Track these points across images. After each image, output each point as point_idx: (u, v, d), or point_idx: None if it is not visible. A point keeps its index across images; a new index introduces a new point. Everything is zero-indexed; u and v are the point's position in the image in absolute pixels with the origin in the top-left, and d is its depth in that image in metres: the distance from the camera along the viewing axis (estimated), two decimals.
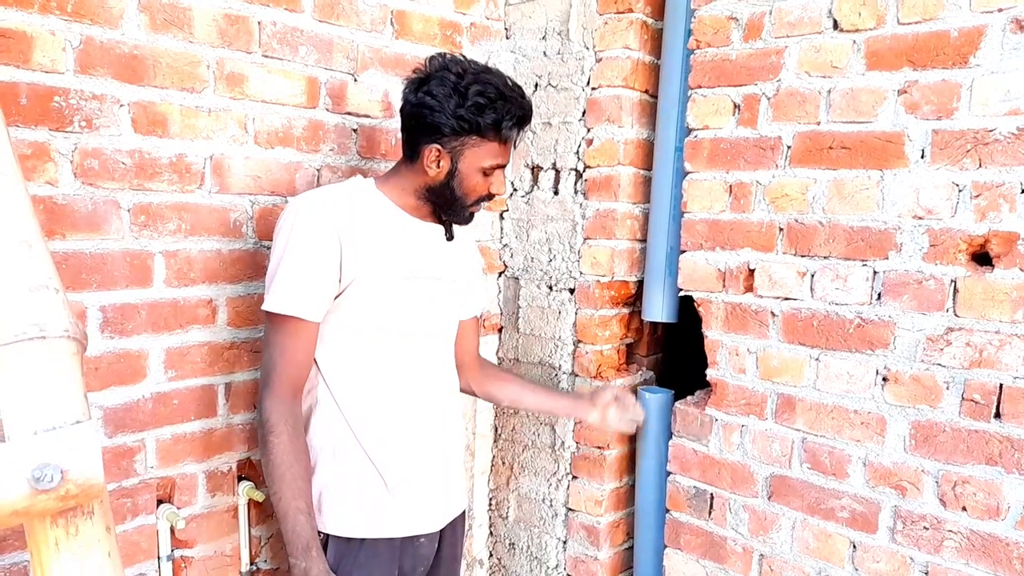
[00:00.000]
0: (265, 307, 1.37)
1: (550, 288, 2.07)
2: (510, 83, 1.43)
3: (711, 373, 1.77)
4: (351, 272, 1.38)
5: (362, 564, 1.43)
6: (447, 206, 1.48)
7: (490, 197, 1.48)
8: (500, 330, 2.21)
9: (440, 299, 1.53)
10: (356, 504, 1.44)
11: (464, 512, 1.66)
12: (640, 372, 2.08)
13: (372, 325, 1.43)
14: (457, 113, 1.37)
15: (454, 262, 1.57)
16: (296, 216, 1.37)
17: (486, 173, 1.44)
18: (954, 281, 1.41)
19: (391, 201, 1.47)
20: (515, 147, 1.50)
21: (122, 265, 1.46)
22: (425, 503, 1.51)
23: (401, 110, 1.47)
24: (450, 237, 1.55)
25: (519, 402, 1.81)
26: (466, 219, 1.51)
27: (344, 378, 1.44)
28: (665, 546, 1.87)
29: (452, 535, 1.61)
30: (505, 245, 2.18)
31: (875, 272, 1.50)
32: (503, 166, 1.46)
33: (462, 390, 1.72)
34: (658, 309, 1.92)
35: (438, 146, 1.41)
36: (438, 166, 1.42)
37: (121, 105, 1.42)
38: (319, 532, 1.40)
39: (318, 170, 1.74)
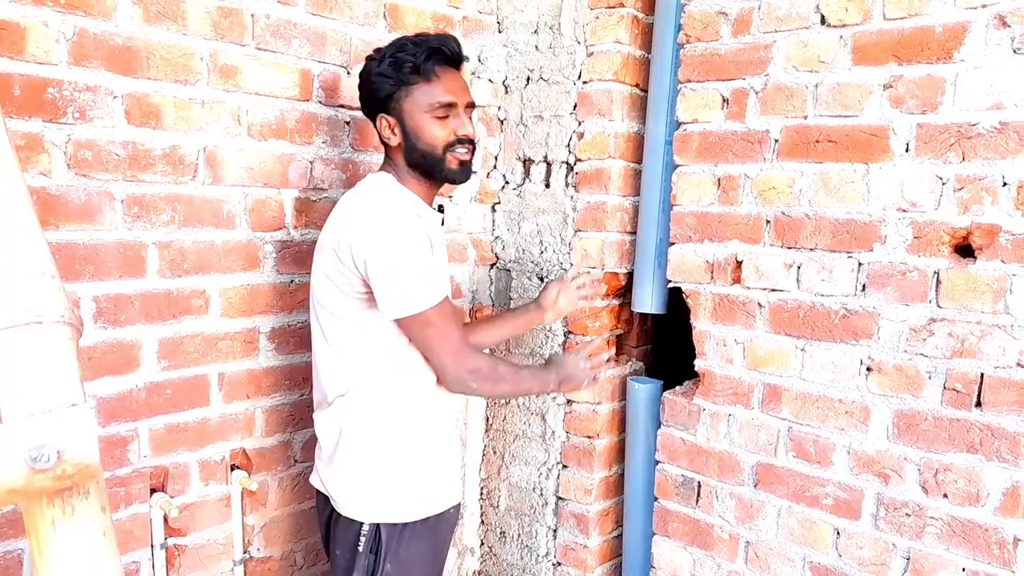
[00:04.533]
0: (421, 308, 1.35)
1: (541, 280, 2.08)
2: (429, 34, 1.47)
3: (699, 363, 1.79)
4: None
5: (407, 544, 1.46)
6: (429, 167, 1.47)
7: (461, 142, 1.45)
8: None
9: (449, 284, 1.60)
10: (402, 489, 1.45)
11: None
12: (630, 363, 2.10)
13: None
14: (379, 71, 1.43)
15: (446, 245, 1.64)
16: (392, 220, 1.37)
17: (437, 117, 1.43)
18: (937, 273, 1.43)
19: (416, 195, 1.48)
20: (468, 90, 1.49)
21: (115, 256, 1.47)
22: (454, 475, 1.57)
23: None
24: (442, 221, 1.58)
25: (482, 343, 1.82)
26: (456, 174, 1.48)
27: (385, 369, 1.44)
28: (653, 533, 1.90)
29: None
30: (497, 237, 2.19)
31: (860, 264, 1.52)
32: (450, 104, 1.43)
33: None
34: (647, 300, 1.94)
35: (383, 115, 1.46)
36: (394, 132, 1.46)
37: (115, 97, 1.43)
38: (365, 523, 1.44)
39: (311, 162, 1.75)
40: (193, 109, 1.54)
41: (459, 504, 1.60)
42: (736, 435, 1.73)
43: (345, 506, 1.46)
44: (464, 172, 1.49)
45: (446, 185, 1.57)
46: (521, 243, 2.13)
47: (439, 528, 1.52)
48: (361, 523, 1.44)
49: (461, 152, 1.46)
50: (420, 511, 1.47)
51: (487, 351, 1.83)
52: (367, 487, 1.44)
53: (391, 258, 1.34)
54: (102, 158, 1.43)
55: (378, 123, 1.47)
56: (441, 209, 1.60)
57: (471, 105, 1.48)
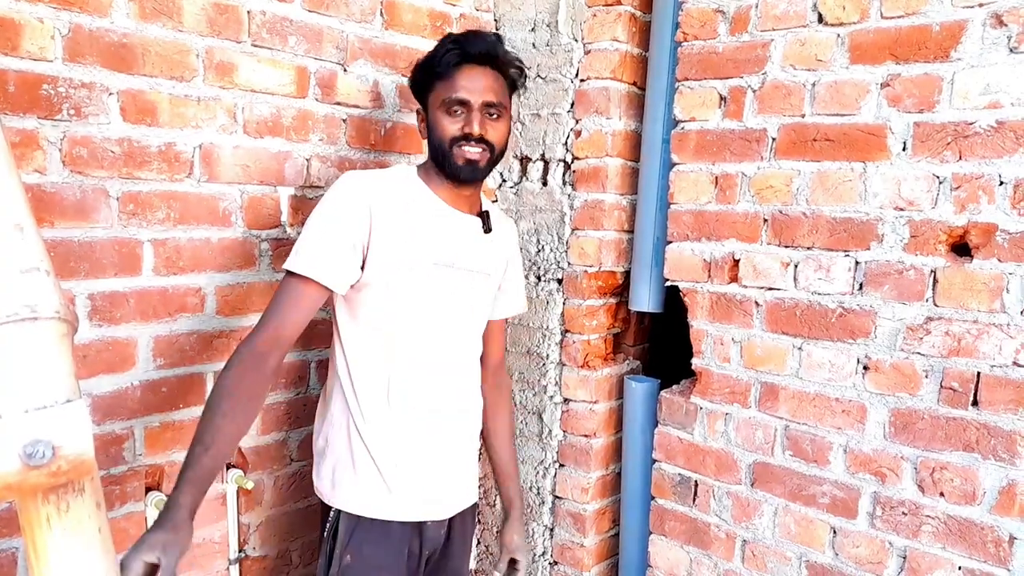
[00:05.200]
0: (284, 266, 1.38)
1: (538, 278, 2.08)
2: (472, 31, 1.48)
3: (696, 362, 1.79)
4: (379, 251, 1.39)
5: (372, 541, 1.45)
6: (441, 162, 1.46)
7: (467, 138, 1.42)
8: None
9: (470, 290, 1.52)
10: (362, 491, 1.45)
11: (475, 504, 1.66)
12: (627, 361, 2.10)
13: (399, 309, 1.43)
14: (417, 67, 1.49)
15: (490, 256, 1.56)
16: (334, 187, 1.41)
17: (449, 112, 1.43)
18: (934, 271, 1.43)
19: (430, 189, 1.49)
20: (499, 94, 1.46)
21: (111, 253, 1.46)
22: (428, 498, 1.50)
23: None
24: (487, 229, 1.54)
25: (487, 447, 1.81)
26: (460, 169, 1.44)
27: (362, 367, 1.44)
28: (650, 532, 1.90)
29: (461, 525, 1.61)
30: None
31: (857, 262, 1.52)
32: (461, 102, 1.42)
33: None
34: (645, 299, 1.94)
35: (420, 109, 1.52)
36: (425, 125, 1.50)
37: (110, 93, 1.43)
38: (331, 508, 1.46)
39: (307, 159, 1.75)
40: (189, 106, 1.53)
41: (441, 522, 1.55)
42: (733, 434, 1.73)
43: (315, 484, 1.51)
44: (469, 171, 1.44)
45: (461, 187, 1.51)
46: (518, 241, 2.13)
47: (414, 537, 1.50)
48: (329, 507, 1.47)
49: (469, 149, 1.43)
50: (376, 513, 1.45)
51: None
52: (332, 467, 1.47)
53: (309, 217, 1.41)
54: (97, 155, 1.42)
55: (417, 118, 1.54)
56: (483, 217, 1.54)
57: (491, 105, 1.44)
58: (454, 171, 1.45)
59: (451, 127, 1.43)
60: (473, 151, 1.43)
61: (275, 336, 1.34)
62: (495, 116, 1.45)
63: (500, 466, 1.79)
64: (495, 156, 1.47)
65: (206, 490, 1.22)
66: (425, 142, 1.51)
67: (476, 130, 1.42)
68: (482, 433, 1.74)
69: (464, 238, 1.50)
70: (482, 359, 1.71)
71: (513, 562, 1.77)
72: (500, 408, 1.78)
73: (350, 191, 1.39)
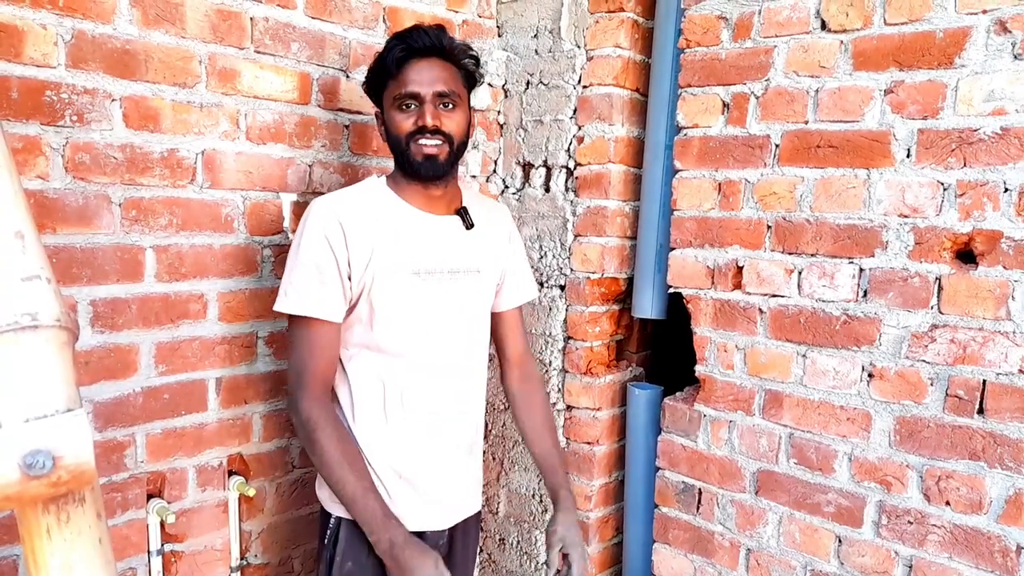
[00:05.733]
0: (279, 308, 1.37)
1: (541, 285, 2.07)
2: (416, 26, 1.43)
3: (700, 369, 1.79)
4: (360, 269, 1.37)
5: (373, 549, 1.42)
6: (401, 161, 1.44)
7: (422, 131, 1.39)
8: None
9: (458, 292, 1.48)
10: None
11: (478, 514, 1.62)
12: (630, 368, 2.09)
13: (387, 322, 1.40)
14: (369, 72, 1.46)
15: (476, 252, 1.51)
16: (305, 218, 1.39)
17: (401, 108, 1.40)
18: (939, 279, 1.43)
19: (399, 197, 1.45)
20: (451, 86, 1.41)
21: (113, 259, 1.46)
22: (427, 507, 1.48)
23: None
24: (469, 225, 1.49)
25: (527, 444, 1.70)
26: (420, 165, 1.40)
27: (358, 376, 1.43)
28: (654, 541, 1.89)
29: (464, 536, 1.58)
30: None
31: (861, 269, 1.52)
32: (412, 95, 1.38)
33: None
34: (648, 306, 1.93)
35: (377, 109, 1.49)
36: (382, 125, 1.47)
37: (113, 100, 1.43)
38: (331, 515, 1.45)
39: (310, 166, 1.75)
40: (191, 112, 1.53)
41: (440, 532, 1.51)
42: (737, 442, 1.72)
43: (317, 491, 1.50)
44: (429, 165, 1.40)
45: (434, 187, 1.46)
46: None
47: None
48: (330, 514, 1.46)
49: (426, 143, 1.39)
50: None
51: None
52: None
53: (290, 250, 1.41)
54: (100, 161, 1.42)
55: (377, 122, 1.50)
56: (461, 213, 1.49)
57: (443, 95, 1.39)
58: (414, 168, 1.41)
59: (405, 123, 1.40)
60: (430, 144, 1.39)
61: (323, 382, 1.39)
62: (449, 106, 1.41)
63: (541, 460, 1.66)
64: (455, 148, 1.43)
65: (395, 516, 1.36)
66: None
67: (430, 122, 1.38)
68: (519, 429, 1.71)
69: (443, 240, 1.46)
70: (502, 354, 1.69)
71: (565, 556, 1.59)
72: (531, 401, 1.69)
73: (321, 218, 1.37)
